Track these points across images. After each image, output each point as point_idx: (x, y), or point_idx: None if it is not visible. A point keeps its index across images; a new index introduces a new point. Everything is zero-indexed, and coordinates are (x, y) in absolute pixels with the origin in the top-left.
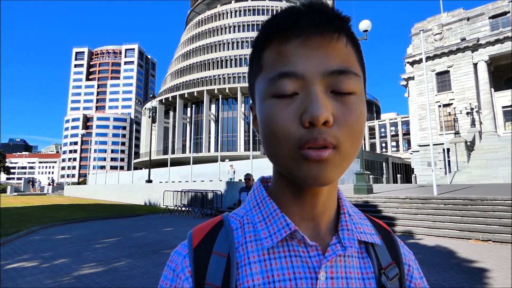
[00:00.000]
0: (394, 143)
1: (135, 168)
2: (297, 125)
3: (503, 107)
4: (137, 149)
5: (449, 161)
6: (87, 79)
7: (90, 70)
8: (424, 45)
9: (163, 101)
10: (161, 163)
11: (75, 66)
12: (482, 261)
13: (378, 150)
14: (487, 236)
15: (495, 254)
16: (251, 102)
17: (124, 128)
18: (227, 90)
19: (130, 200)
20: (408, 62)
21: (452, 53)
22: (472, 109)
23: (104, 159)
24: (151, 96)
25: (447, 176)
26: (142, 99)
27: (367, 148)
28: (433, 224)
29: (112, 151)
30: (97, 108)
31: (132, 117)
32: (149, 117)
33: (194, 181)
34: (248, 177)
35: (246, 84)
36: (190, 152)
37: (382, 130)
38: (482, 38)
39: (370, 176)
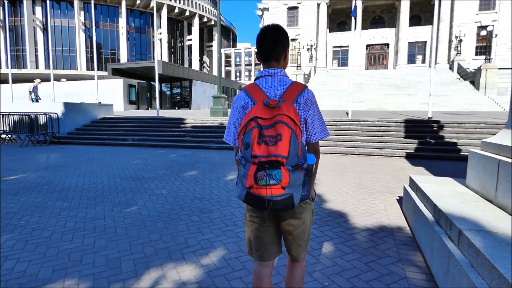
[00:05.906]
0: (247, 72)
1: None
2: None
3: (333, 47)
4: None
5: None
6: None
7: None
8: None
9: None
10: None
11: None
12: None
13: (232, 78)
14: None
15: None
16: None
17: None
18: None
19: None
20: None
21: None
22: (311, 46)
23: None
24: None
25: None
26: None
27: (223, 75)
28: None
29: None
30: None
31: None
32: None
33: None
34: None
35: None
36: (7, 67)
37: (237, 59)
38: None
39: (226, 101)
